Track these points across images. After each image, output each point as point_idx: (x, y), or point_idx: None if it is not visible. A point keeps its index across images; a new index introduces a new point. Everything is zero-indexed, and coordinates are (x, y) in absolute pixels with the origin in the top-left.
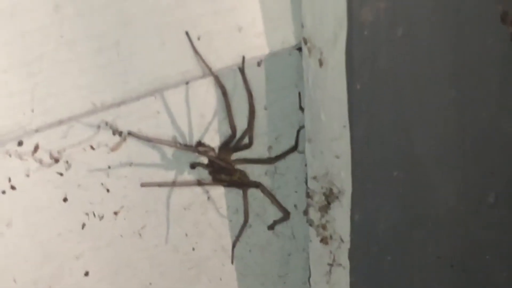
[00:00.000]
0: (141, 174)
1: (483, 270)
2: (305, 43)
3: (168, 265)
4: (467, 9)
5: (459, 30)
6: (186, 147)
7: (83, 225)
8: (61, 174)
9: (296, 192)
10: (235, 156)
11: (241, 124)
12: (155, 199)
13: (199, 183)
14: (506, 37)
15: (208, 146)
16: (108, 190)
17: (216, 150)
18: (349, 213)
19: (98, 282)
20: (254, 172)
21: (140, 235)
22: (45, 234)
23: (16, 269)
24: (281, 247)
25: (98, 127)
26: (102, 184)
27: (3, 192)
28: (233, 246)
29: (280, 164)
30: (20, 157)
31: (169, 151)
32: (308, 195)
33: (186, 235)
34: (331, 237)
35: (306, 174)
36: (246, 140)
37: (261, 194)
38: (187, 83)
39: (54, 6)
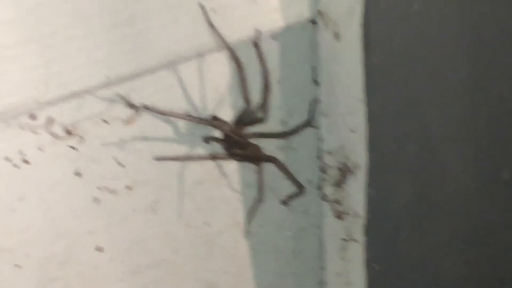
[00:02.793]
0: (155, 148)
1: (497, 248)
2: (321, 16)
3: (180, 241)
4: None
5: (474, 6)
6: (201, 120)
7: (96, 200)
8: (74, 148)
9: (309, 167)
10: (249, 130)
11: (256, 98)
12: (168, 173)
13: (213, 157)
14: None
15: (222, 120)
16: (121, 165)
17: (230, 124)
18: (364, 188)
19: (110, 258)
20: (267, 147)
21: (153, 210)
22: (58, 209)
23: (28, 244)
24: (295, 223)
25: (112, 100)
26: (115, 158)
27: (16, 166)
28: (247, 221)
29: (294, 139)
30: (33, 130)
31: (182, 125)
32: (322, 170)
33: (199, 210)
34: (345, 212)
35: (320, 149)
36: (260, 114)
37: (274, 169)
38: (201, 56)
39: None
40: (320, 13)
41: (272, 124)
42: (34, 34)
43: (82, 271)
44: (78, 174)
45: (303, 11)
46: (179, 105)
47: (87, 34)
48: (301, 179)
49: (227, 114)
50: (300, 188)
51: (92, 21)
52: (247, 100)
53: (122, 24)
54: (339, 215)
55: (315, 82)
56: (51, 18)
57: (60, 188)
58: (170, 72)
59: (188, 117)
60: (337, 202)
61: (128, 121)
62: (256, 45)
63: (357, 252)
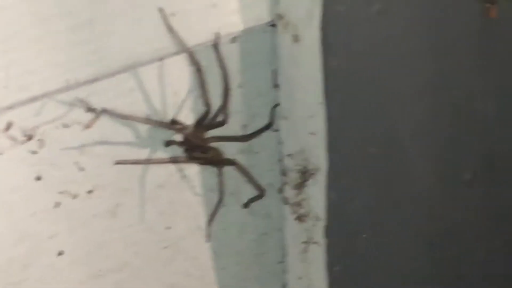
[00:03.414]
0: (115, 153)
1: (460, 249)
2: (280, 19)
3: (143, 245)
4: None
5: (434, 7)
6: (161, 124)
7: (57, 205)
8: (35, 152)
9: (270, 170)
10: (210, 134)
11: (216, 102)
12: (129, 177)
13: (174, 161)
14: (479, 14)
15: (183, 124)
16: (82, 169)
17: (191, 128)
18: (324, 191)
19: (72, 261)
20: (228, 151)
21: (114, 214)
22: (19, 213)
23: None
24: (256, 226)
25: (72, 104)
26: (75, 162)
27: None
28: (208, 224)
29: (254, 142)
30: None
31: (143, 128)
32: (283, 173)
33: (161, 214)
34: (306, 215)
35: (280, 152)
36: (220, 118)
37: (236, 173)
38: (161, 60)
39: None
40: (279, 16)
41: (232, 128)
42: None
43: (44, 275)
44: (38, 178)
45: (263, 15)
46: (140, 108)
47: (47, 36)
48: (263, 182)
49: (188, 118)
50: (261, 191)
51: (52, 23)
52: (207, 103)
53: (82, 27)
54: (300, 218)
55: (275, 86)
56: (10, 20)
57: (21, 192)
58: (130, 75)
59: (148, 120)
60: (298, 205)
61: (88, 125)
62: (215, 48)
63: (318, 255)
